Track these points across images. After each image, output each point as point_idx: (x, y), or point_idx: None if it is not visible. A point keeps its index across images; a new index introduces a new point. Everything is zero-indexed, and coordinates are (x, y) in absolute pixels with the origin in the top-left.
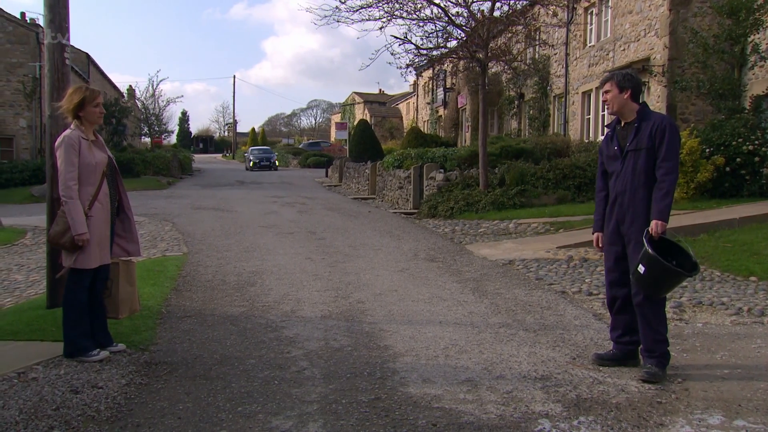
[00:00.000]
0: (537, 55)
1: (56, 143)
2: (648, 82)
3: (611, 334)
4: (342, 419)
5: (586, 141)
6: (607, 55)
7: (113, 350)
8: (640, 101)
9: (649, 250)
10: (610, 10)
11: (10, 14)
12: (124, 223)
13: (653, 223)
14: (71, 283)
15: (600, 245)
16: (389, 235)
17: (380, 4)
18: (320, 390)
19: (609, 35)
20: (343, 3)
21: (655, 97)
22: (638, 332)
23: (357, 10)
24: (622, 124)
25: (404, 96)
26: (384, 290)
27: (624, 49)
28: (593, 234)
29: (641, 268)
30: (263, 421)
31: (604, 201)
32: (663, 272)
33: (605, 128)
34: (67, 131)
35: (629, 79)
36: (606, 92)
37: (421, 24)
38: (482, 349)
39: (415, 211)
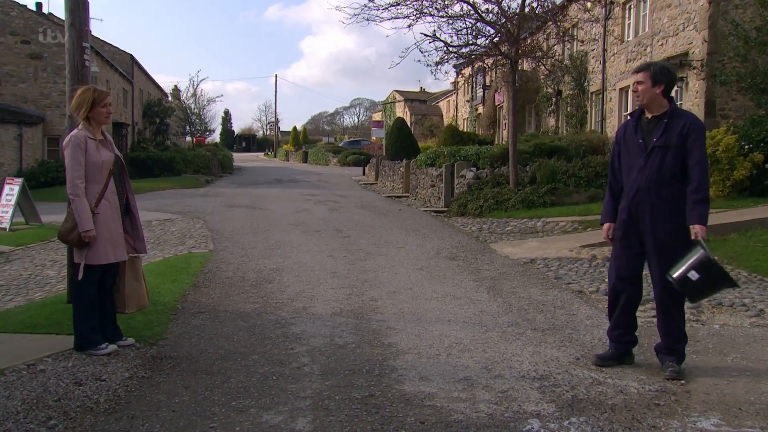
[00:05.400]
0: (574, 52)
1: (64, 143)
2: (687, 77)
3: (612, 333)
4: (332, 415)
5: None
6: (645, 50)
7: (122, 344)
8: (670, 96)
9: (712, 258)
10: (648, 4)
11: (59, 18)
12: (132, 221)
13: (699, 228)
14: (80, 279)
15: (610, 237)
16: (415, 234)
17: (409, 2)
18: (316, 386)
19: (647, 30)
20: (371, 1)
21: (694, 93)
22: (634, 331)
23: (386, 8)
24: (647, 116)
25: (445, 94)
26: (399, 288)
27: (662, 44)
28: (603, 225)
29: (694, 275)
30: (254, 416)
31: (619, 191)
32: (719, 278)
33: (627, 116)
34: (75, 131)
35: (665, 74)
36: (639, 83)
37: (450, 21)
38: (486, 348)
39: (446, 209)
